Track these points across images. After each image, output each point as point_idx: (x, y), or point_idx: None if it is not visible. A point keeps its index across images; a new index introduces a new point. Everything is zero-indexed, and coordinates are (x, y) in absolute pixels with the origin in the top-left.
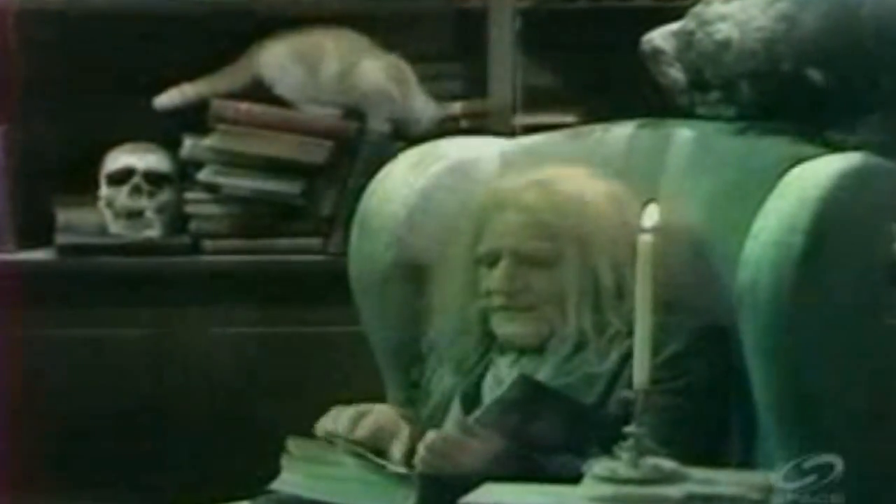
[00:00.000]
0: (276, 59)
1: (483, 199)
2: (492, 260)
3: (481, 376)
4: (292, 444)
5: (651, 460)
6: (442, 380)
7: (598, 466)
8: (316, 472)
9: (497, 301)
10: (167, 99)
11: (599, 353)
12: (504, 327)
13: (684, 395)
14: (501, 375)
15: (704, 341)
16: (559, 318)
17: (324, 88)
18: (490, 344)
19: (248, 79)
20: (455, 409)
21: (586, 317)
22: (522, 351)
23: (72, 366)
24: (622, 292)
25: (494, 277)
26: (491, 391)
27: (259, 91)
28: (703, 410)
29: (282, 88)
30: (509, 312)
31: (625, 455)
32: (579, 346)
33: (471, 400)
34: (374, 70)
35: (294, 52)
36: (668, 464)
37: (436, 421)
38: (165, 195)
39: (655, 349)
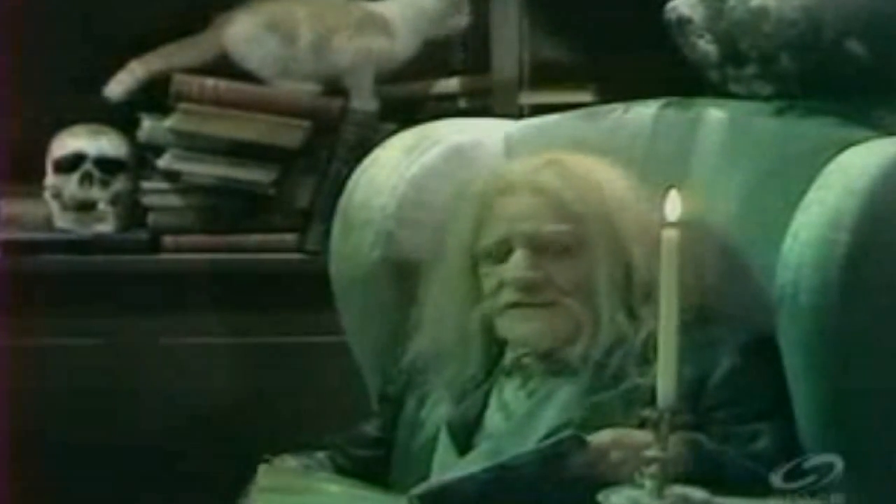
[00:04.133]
0: (245, 30)
1: (483, 185)
2: (502, 251)
3: (482, 403)
4: (263, 472)
5: (678, 489)
6: (435, 409)
7: (618, 495)
8: (293, 502)
9: (508, 297)
10: (118, 87)
11: (638, 359)
12: (517, 328)
13: (756, 418)
14: (507, 401)
15: (761, 354)
16: (589, 316)
17: (300, 61)
18: (493, 365)
19: (210, 53)
20: (443, 439)
21: (620, 312)
22: (531, 372)
23: (12, 379)
24: (651, 292)
25: (507, 269)
26: (493, 419)
27: (223, 68)
28: (777, 434)
29: (253, 63)
30: (523, 310)
31: (648, 482)
32: (612, 351)
33: (465, 429)
34: (350, 39)
35: (266, 21)
36: (697, 493)
37: (426, 455)
38: (120, 184)
39: (705, 368)
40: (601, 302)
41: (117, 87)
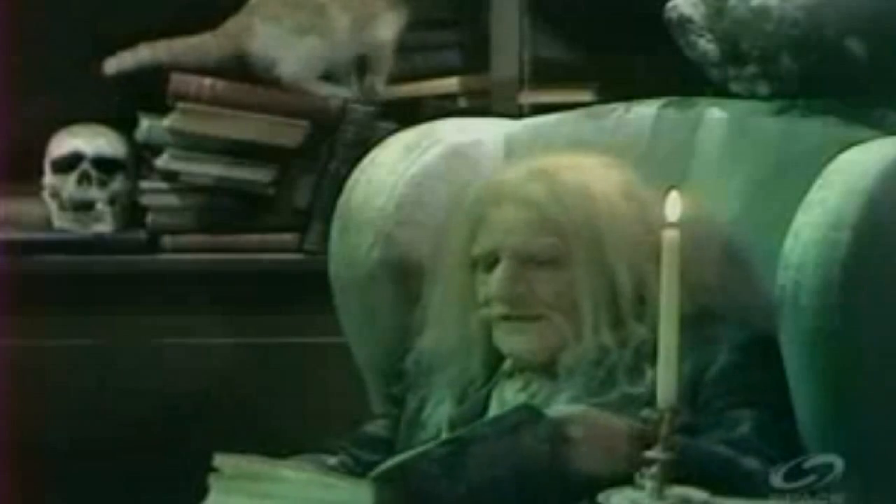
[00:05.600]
0: (272, 38)
1: (477, 193)
2: (489, 262)
3: (484, 404)
4: (221, 461)
5: (678, 490)
6: (437, 409)
7: (618, 496)
8: (254, 490)
9: (498, 310)
10: (116, 63)
11: (628, 370)
12: (508, 341)
13: (748, 406)
14: (509, 402)
15: (762, 354)
16: (571, 329)
17: (340, 46)
18: (494, 365)
19: (221, 58)
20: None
21: (604, 326)
22: (532, 374)
23: (12, 379)
24: (643, 295)
25: (493, 282)
26: None
27: (231, 71)
28: (769, 423)
29: (284, 67)
30: (513, 323)
31: (648, 483)
32: (600, 362)
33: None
34: (386, 13)
35: (297, 23)
36: (698, 494)
37: None
38: (118, 184)
39: (704, 366)
40: (583, 316)
41: (115, 63)
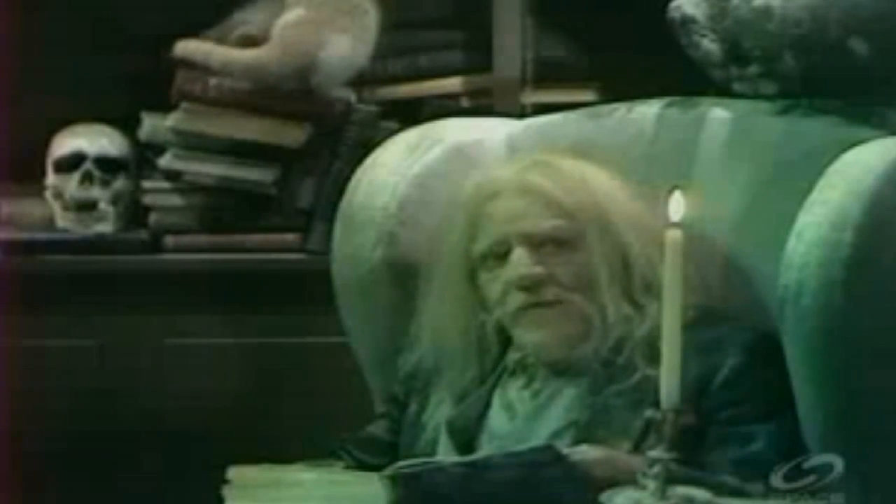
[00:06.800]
0: (345, 48)
1: (472, 191)
2: (500, 253)
3: (485, 402)
4: (234, 473)
5: (681, 489)
6: (437, 410)
7: (621, 496)
8: (270, 496)
9: (516, 300)
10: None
11: (643, 351)
12: (530, 334)
13: (756, 420)
14: (512, 401)
15: (764, 354)
16: (594, 308)
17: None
18: (495, 365)
19: (283, 72)
20: (444, 440)
21: (624, 304)
22: (536, 371)
23: (11, 381)
24: (651, 281)
25: (509, 269)
26: (497, 419)
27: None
28: (781, 436)
29: (319, 76)
30: (533, 313)
31: (651, 483)
32: (620, 344)
33: (466, 429)
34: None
35: (355, 39)
36: (700, 494)
37: (428, 457)
38: (120, 184)
39: (709, 369)
40: (604, 295)
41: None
